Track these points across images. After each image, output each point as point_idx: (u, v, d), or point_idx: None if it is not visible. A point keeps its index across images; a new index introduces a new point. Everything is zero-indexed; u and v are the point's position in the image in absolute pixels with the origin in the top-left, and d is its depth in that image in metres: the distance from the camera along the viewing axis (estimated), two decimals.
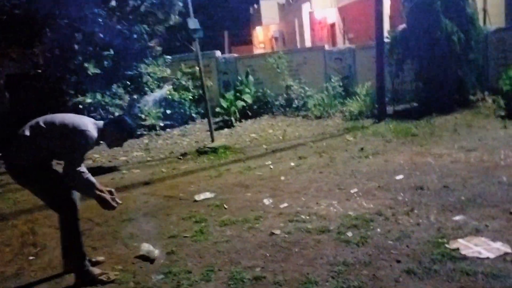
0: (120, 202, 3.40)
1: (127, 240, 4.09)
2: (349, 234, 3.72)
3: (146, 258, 3.63)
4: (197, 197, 5.28)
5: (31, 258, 3.93)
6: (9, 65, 11.46)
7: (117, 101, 10.35)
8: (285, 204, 4.74)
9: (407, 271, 2.99)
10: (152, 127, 10.78)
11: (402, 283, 2.87)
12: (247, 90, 11.47)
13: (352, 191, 4.99)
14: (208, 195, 5.35)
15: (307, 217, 4.25)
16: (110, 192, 3.40)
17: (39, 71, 10.84)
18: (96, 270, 3.34)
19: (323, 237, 3.71)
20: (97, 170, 7.58)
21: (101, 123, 3.41)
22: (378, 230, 3.78)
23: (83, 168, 3.24)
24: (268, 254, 3.47)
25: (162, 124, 10.85)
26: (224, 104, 10.79)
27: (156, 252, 3.65)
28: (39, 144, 3.18)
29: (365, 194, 4.87)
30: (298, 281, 2.98)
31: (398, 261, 3.14)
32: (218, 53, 12.75)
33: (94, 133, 3.23)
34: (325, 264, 3.20)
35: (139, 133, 10.57)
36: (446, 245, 3.33)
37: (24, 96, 10.95)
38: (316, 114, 10.78)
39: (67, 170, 3.13)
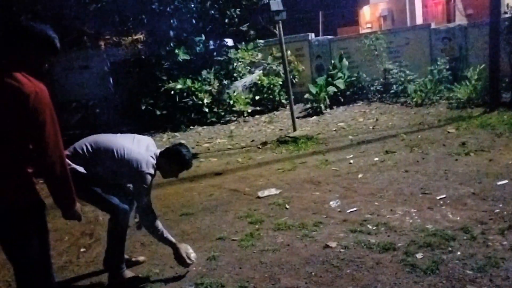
0: (193, 260, 3.21)
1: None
2: (419, 256, 3.05)
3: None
4: (260, 194, 4.91)
5: (82, 250, 3.92)
6: (114, 52, 12.14)
7: (207, 87, 10.37)
8: (353, 209, 4.14)
9: None
10: (240, 113, 10.63)
11: None
12: (339, 74, 10.69)
13: (438, 197, 4.21)
14: (273, 191, 4.96)
15: (374, 228, 3.63)
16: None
17: (141, 57, 11.29)
18: (128, 274, 3.16)
19: (385, 257, 3.09)
20: None
21: (157, 151, 3.24)
22: (458, 253, 3.04)
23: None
24: (313, 273, 2.97)
25: (250, 110, 10.63)
26: (313, 89, 10.19)
27: (193, 256, 3.32)
28: (95, 169, 3.04)
29: (454, 202, 4.06)
30: None
31: None
32: (311, 35, 12.10)
33: (152, 170, 3.10)
34: None
35: (227, 119, 10.53)
36: None
37: (125, 81, 11.55)
38: (416, 101, 9.66)
39: (140, 214, 3.16)
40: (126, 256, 3.31)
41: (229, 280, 3.01)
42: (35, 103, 1.94)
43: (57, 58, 2.19)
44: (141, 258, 3.53)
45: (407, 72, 10.35)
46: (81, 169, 2.95)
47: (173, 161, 3.22)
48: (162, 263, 3.46)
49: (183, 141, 8.90)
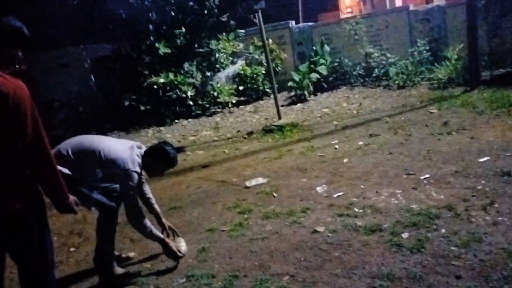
0: (183, 253, 3.27)
1: (164, 233, 3.87)
2: (405, 235, 3.11)
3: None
4: (248, 183, 4.94)
5: (72, 249, 3.92)
6: (94, 49, 11.97)
7: (190, 80, 10.31)
8: (340, 193, 4.20)
9: None
10: (225, 104, 10.60)
11: None
12: (322, 61, 10.72)
13: (422, 177, 4.28)
14: (260, 180, 4.99)
15: (360, 211, 3.69)
16: (170, 228, 3.54)
17: (122, 53, 11.14)
18: (119, 270, 3.17)
19: (372, 239, 3.14)
20: None
21: (142, 150, 3.24)
22: (443, 230, 3.11)
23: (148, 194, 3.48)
24: (302, 258, 3.02)
25: (234, 101, 10.61)
26: (296, 77, 10.21)
27: (183, 249, 3.35)
28: (81, 170, 3.02)
29: (438, 181, 4.13)
30: None
31: (458, 277, 2.50)
32: (292, 23, 12.07)
33: (138, 169, 3.11)
34: (365, 275, 2.67)
35: (212, 111, 10.50)
36: None
37: (107, 78, 11.41)
38: (398, 83, 9.74)
39: (127, 213, 3.12)
40: (116, 253, 3.32)
41: (219, 271, 3.04)
42: (14, 101, 1.91)
43: (36, 57, 2.13)
44: (131, 254, 3.55)
45: (388, 55, 10.42)
46: (66, 170, 2.93)
47: (158, 160, 3.23)
48: (152, 258, 3.48)
49: (168, 135, 8.88)
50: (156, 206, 3.54)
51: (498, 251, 2.71)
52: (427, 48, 10.01)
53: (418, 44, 10.07)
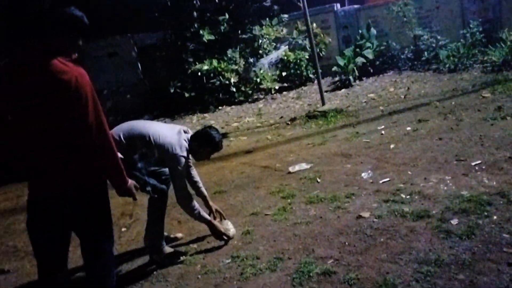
0: (232, 235, 3.40)
1: (211, 215, 3.95)
2: (454, 222, 3.02)
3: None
4: (291, 169, 4.94)
5: (123, 229, 4.08)
6: (141, 38, 12.26)
7: (233, 66, 10.36)
8: (386, 179, 4.12)
9: None
10: (268, 91, 10.61)
11: None
12: (368, 44, 10.45)
13: (473, 163, 4.12)
14: (304, 166, 4.97)
15: (408, 197, 3.61)
16: (217, 211, 3.61)
17: (167, 41, 11.35)
18: (168, 250, 3.28)
19: (419, 225, 3.07)
20: None
21: (189, 135, 3.32)
22: (494, 217, 2.99)
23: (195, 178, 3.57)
24: (347, 243, 3.00)
25: (277, 87, 10.59)
26: (341, 62, 10.02)
27: (231, 231, 3.45)
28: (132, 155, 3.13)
29: (490, 167, 3.96)
30: (372, 282, 2.48)
31: (510, 264, 2.41)
32: (337, 6, 11.82)
33: (185, 153, 3.18)
34: (412, 261, 2.62)
35: (255, 97, 10.53)
36: None
37: (153, 66, 11.69)
38: (449, 66, 9.36)
39: (177, 195, 3.21)
40: (165, 234, 3.43)
41: (264, 253, 3.08)
42: (77, 88, 1.98)
43: (85, 46, 2.22)
44: (179, 235, 3.66)
45: (438, 37, 10.03)
46: (119, 155, 3.04)
47: (204, 144, 3.30)
48: (199, 239, 3.57)
49: (212, 122, 9.00)
50: (203, 190, 3.62)
51: None
52: (480, 29, 9.54)
53: (471, 26, 9.61)
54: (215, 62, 10.18)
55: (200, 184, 3.61)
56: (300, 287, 2.56)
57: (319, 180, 4.43)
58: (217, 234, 3.30)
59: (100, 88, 11.54)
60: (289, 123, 7.65)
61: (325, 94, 8.74)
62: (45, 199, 2.13)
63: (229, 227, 3.50)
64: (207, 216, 3.34)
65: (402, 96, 8.03)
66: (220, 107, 10.32)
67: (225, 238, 3.33)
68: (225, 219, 3.60)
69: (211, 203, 3.62)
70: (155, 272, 3.09)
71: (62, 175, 2.11)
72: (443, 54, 9.61)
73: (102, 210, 2.24)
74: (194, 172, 3.59)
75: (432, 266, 2.52)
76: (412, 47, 10.42)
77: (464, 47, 9.42)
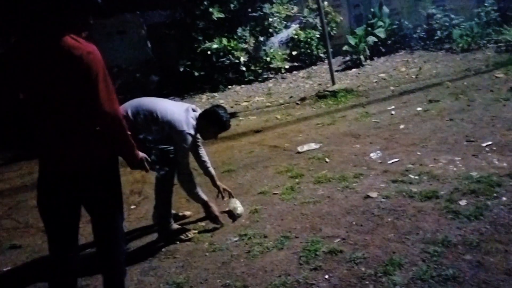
0: (240, 214, 3.47)
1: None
2: (462, 202, 3.01)
3: (231, 215, 3.49)
4: (300, 148, 4.94)
5: (132, 207, 4.13)
6: (150, 15, 12.17)
7: (243, 45, 10.26)
8: (395, 160, 4.10)
9: None
10: (278, 70, 10.52)
11: None
12: (380, 23, 10.27)
13: (484, 144, 4.08)
14: (312, 146, 4.96)
15: (416, 177, 3.59)
16: (225, 190, 3.62)
17: (177, 19, 11.25)
18: (175, 226, 3.32)
19: (427, 205, 3.07)
20: None
21: (197, 113, 3.31)
22: (504, 199, 2.97)
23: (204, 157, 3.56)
24: (354, 222, 3.01)
25: (287, 67, 10.49)
26: (352, 41, 9.88)
27: (239, 210, 3.48)
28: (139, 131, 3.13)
29: (501, 148, 3.92)
30: (378, 261, 2.49)
31: None
32: None
33: (192, 131, 3.17)
34: (419, 241, 2.62)
35: (265, 76, 10.45)
36: None
37: (162, 44, 11.63)
38: (462, 46, 9.19)
39: (178, 172, 3.22)
40: (173, 211, 3.47)
41: (271, 231, 3.11)
42: (88, 63, 2.00)
43: (95, 24, 2.22)
44: (187, 213, 3.70)
45: (452, 16, 9.82)
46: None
47: (212, 123, 3.29)
48: (206, 218, 3.60)
49: (221, 101, 8.98)
50: (211, 169, 3.63)
51: None
52: (496, 8, 9.31)
53: (486, 4, 9.38)
54: (224, 41, 10.08)
55: (208, 164, 3.62)
56: (306, 265, 2.59)
57: (327, 160, 4.43)
58: (212, 217, 3.35)
59: (109, 66, 11.56)
60: (299, 102, 7.60)
61: (335, 73, 8.64)
62: (56, 175, 2.15)
63: (237, 205, 3.53)
64: (204, 197, 3.35)
65: (414, 76, 7.92)
66: (229, 86, 10.26)
67: (219, 222, 3.35)
68: (233, 197, 3.62)
69: (218, 182, 3.63)
70: (163, 250, 3.13)
71: (73, 151, 2.13)
72: (456, 33, 9.42)
73: (113, 186, 2.26)
74: (203, 151, 3.60)
75: (439, 246, 2.52)
76: (424, 26, 10.23)
77: (479, 26, 9.23)
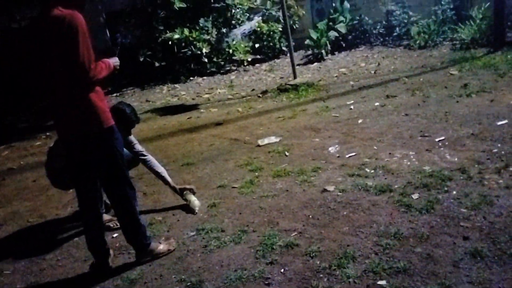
0: (197, 209, 3.45)
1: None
2: (415, 196, 3.10)
3: (189, 209, 3.45)
4: (260, 142, 4.94)
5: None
6: (109, 2, 11.79)
7: (205, 36, 10.15)
8: (352, 154, 4.17)
9: (473, 252, 2.36)
10: (240, 62, 10.47)
11: (461, 269, 2.26)
12: (341, 18, 10.39)
13: (437, 139, 4.21)
14: (273, 139, 4.98)
15: (372, 171, 3.67)
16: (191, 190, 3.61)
17: (137, 6, 10.96)
18: (106, 217, 3.25)
19: (381, 199, 3.14)
20: (179, 108, 7.64)
21: None
22: (454, 192, 3.08)
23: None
24: (311, 216, 3.04)
25: (250, 59, 10.46)
26: (314, 35, 9.95)
27: (197, 204, 3.44)
28: None
29: (453, 143, 4.06)
30: (333, 254, 2.53)
31: (466, 238, 2.50)
32: None
33: None
34: (372, 234, 2.69)
35: (227, 68, 10.38)
36: None
37: (122, 33, 11.31)
38: (419, 43, 9.44)
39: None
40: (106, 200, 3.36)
41: (229, 225, 3.10)
42: (69, 21, 2.26)
43: None
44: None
45: (411, 13, 10.04)
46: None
47: (118, 121, 3.14)
48: (164, 210, 3.55)
49: (182, 93, 8.88)
50: (155, 166, 3.53)
51: (508, 214, 2.69)
52: (452, 6, 9.62)
53: (442, 2, 9.67)
54: (186, 31, 9.93)
55: (151, 162, 3.51)
56: (263, 259, 2.59)
57: (287, 154, 4.45)
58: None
59: None
60: (261, 96, 7.60)
61: (297, 67, 8.70)
62: (62, 140, 2.61)
63: (192, 198, 3.49)
64: None
65: (373, 72, 8.08)
66: (191, 78, 10.14)
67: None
68: (192, 193, 3.57)
69: (172, 184, 3.56)
70: (117, 244, 3.06)
71: (68, 118, 2.46)
72: (414, 30, 9.66)
73: (110, 152, 2.52)
74: (138, 147, 3.47)
75: (391, 239, 2.59)
76: (384, 22, 10.44)
77: (435, 23, 9.50)
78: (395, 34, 10.17)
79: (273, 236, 2.81)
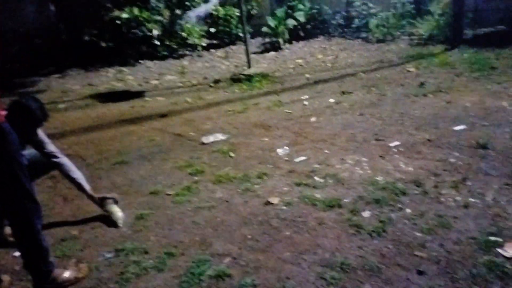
0: (120, 224, 2.98)
1: (104, 191, 3.41)
2: (365, 214, 2.78)
3: (111, 222, 2.98)
4: (205, 139, 4.51)
5: None
6: None
7: (157, 17, 9.48)
8: (302, 158, 3.82)
9: None
10: (194, 47, 9.89)
11: None
12: (300, 6, 10.01)
13: (391, 144, 3.94)
14: (219, 137, 4.56)
15: (321, 181, 3.33)
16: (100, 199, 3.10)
17: None
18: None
19: (329, 216, 2.80)
20: (123, 95, 7.05)
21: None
22: (408, 211, 2.79)
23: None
24: (249, 236, 2.66)
25: (205, 44, 9.91)
26: (272, 22, 9.53)
27: (120, 216, 2.98)
28: None
29: (408, 150, 3.80)
30: None
31: (420, 272, 2.19)
32: None
33: None
34: (316, 263, 2.33)
35: (180, 53, 9.78)
36: (500, 250, 2.31)
37: (67, 9, 10.43)
38: (378, 36, 9.25)
39: None
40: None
41: (154, 245, 2.66)
42: None
43: None
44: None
45: (370, 5, 9.84)
46: None
47: (19, 119, 2.50)
48: (84, 220, 3.07)
49: (130, 77, 8.26)
50: (73, 174, 3.00)
51: (467, 241, 2.41)
52: (411, 0, 9.45)
53: None
54: (136, 11, 9.22)
55: (65, 166, 2.97)
56: None
57: (232, 155, 4.05)
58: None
59: (5, 30, 10.16)
60: (212, 85, 7.13)
61: (253, 56, 8.28)
62: None
63: (114, 209, 3.03)
64: None
65: (329, 65, 7.79)
66: (141, 61, 9.46)
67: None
68: (112, 202, 3.09)
69: (89, 192, 3.06)
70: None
71: None
72: (373, 23, 9.46)
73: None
74: (50, 147, 2.90)
75: (337, 270, 2.25)
76: (343, 13, 10.18)
77: (394, 17, 9.33)
78: (354, 25, 9.94)
79: (203, 263, 2.40)
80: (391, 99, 5.39)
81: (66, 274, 2.34)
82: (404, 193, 3.01)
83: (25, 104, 2.62)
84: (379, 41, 9.10)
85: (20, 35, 10.49)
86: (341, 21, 10.09)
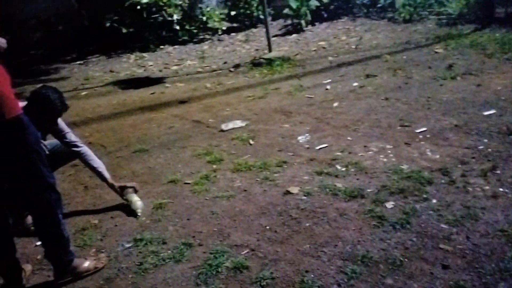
0: (139, 213, 2.96)
1: (124, 180, 3.41)
2: (389, 205, 2.68)
3: (131, 211, 2.98)
4: (224, 126, 4.45)
5: None
6: None
7: (176, 1, 9.39)
8: (323, 145, 3.72)
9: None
10: (215, 31, 9.78)
11: None
12: None
13: (418, 131, 3.79)
14: (238, 124, 4.49)
15: (343, 169, 3.23)
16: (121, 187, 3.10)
17: None
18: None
19: (350, 206, 2.71)
20: (144, 81, 7.06)
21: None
22: (434, 201, 2.68)
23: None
24: (268, 227, 2.60)
25: (225, 28, 9.78)
26: (293, 4, 9.28)
27: (139, 205, 2.97)
28: None
29: (435, 136, 3.65)
30: (288, 283, 2.11)
31: (446, 267, 2.09)
32: None
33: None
34: (337, 256, 2.26)
35: (200, 37, 9.69)
36: None
37: None
38: (404, 16, 8.90)
39: None
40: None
41: (173, 235, 2.64)
42: None
43: None
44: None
45: None
46: None
47: (39, 110, 2.57)
48: (104, 209, 3.08)
49: (150, 63, 8.27)
50: (93, 163, 3.01)
51: (495, 234, 2.29)
52: None
53: None
54: None
55: (86, 155, 2.98)
56: (204, 286, 2.16)
57: (252, 142, 3.98)
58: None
59: (27, 18, 10.28)
60: (232, 70, 7.04)
61: (274, 39, 8.14)
62: None
63: (134, 198, 3.01)
64: None
65: (353, 46, 7.57)
66: (161, 47, 9.44)
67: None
68: (133, 191, 3.08)
69: (110, 181, 3.06)
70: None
71: None
72: (399, 2, 9.11)
73: (17, 154, 2.04)
74: (71, 136, 2.92)
75: (358, 264, 2.17)
76: None
77: None
78: (379, 5, 9.60)
79: (221, 254, 2.36)
80: (417, 83, 5.19)
81: (86, 264, 2.34)
82: (430, 183, 2.89)
83: (45, 95, 2.60)
84: (405, 21, 8.77)
85: (42, 22, 10.60)
86: (366, 1, 9.76)
